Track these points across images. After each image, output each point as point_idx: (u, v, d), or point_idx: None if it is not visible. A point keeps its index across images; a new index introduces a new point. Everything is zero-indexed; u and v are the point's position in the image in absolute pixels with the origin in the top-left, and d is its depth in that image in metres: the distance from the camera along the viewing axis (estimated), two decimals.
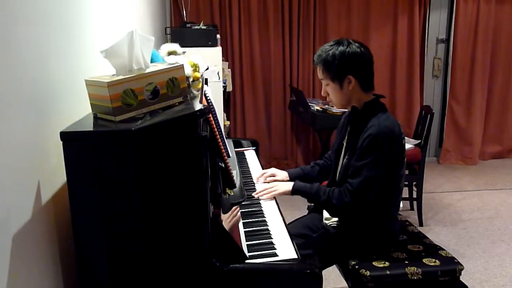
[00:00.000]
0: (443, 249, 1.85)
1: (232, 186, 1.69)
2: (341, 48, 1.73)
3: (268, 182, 1.99)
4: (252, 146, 2.57)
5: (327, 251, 1.83)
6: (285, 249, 1.43)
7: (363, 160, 1.69)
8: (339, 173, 1.86)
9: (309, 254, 1.76)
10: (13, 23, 1.02)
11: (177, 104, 1.29)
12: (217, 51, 3.19)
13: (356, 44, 1.75)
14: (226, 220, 1.45)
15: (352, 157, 1.76)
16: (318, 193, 1.78)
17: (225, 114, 3.62)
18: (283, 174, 2.06)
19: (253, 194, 1.87)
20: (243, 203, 1.69)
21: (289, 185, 1.85)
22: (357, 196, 1.70)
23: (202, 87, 1.57)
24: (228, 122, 3.98)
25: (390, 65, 4.61)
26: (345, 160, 1.81)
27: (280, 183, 1.91)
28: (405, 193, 3.53)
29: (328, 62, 1.74)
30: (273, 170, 2.09)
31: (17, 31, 1.04)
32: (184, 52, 1.58)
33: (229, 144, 2.19)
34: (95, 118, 1.25)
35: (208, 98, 1.75)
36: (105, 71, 1.35)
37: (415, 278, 1.69)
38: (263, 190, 1.88)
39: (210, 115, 1.53)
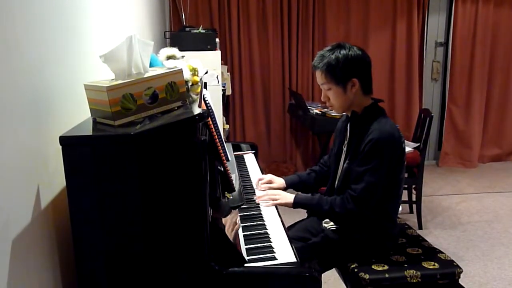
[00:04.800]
0: (442, 252, 1.86)
1: (231, 190, 1.69)
2: (343, 51, 1.74)
3: (264, 190, 1.98)
4: (252, 150, 2.56)
5: (326, 255, 1.83)
6: (284, 252, 1.43)
7: (365, 165, 1.70)
8: (339, 178, 1.87)
9: (308, 258, 1.75)
10: (12, 28, 1.03)
11: (176, 108, 1.29)
12: (216, 55, 3.19)
13: (355, 48, 1.77)
14: (228, 229, 1.45)
15: (353, 161, 1.76)
16: (320, 203, 1.78)
17: (224, 118, 3.62)
18: (279, 181, 2.05)
19: (254, 198, 1.86)
20: (242, 206, 1.69)
21: (290, 197, 1.84)
22: (360, 202, 1.71)
23: (201, 91, 1.57)
24: (227, 126, 3.99)
25: (389, 69, 4.62)
26: (345, 164, 1.82)
27: (283, 193, 1.88)
28: (404, 196, 3.51)
29: (332, 66, 1.74)
30: (270, 177, 2.06)
31: (16, 36, 1.05)
32: (183, 56, 1.58)
33: (228, 148, 2.19)
34: (94, 122, 1.26)
35: (207, 102, 1.76)
36: (104, 76, 1.35)
37: (414, 281, 1.69)
38: (264, 196, 1.86)
39: (209, 119, 1.53)
